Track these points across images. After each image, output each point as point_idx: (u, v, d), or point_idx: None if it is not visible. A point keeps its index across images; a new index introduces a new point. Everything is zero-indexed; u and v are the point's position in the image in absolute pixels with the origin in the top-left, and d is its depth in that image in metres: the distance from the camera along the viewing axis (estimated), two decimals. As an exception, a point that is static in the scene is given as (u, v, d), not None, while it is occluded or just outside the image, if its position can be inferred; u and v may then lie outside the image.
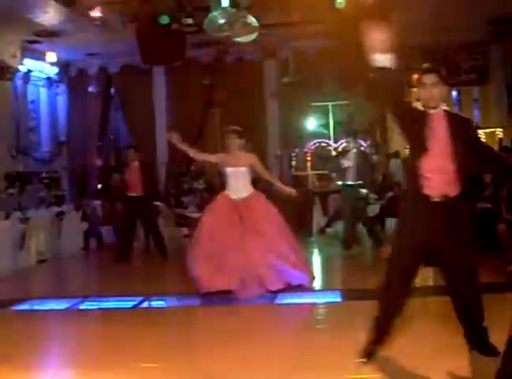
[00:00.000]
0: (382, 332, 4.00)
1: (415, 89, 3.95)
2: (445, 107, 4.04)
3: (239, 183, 6.72)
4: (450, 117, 3.97)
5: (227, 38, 10.75)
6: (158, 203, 11.67)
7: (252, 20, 10.11)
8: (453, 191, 3.82)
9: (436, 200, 3.81)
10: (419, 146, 3.87)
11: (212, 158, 7.16)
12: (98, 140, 15.07)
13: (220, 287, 6.33)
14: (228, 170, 6.79)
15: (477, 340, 3.95)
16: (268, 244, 6.46)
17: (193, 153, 7.05)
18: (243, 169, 6.76)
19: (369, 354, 4.00)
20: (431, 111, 3.92)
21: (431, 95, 3.89)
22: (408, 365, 3.93)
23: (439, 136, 3.84)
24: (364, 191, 9.15)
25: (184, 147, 6.91)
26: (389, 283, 3.95)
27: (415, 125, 3.92)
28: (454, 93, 13.97)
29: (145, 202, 9.62)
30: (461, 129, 3.89)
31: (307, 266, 6.95)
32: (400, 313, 3.99)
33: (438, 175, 3.81)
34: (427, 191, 3.83)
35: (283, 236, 6.62)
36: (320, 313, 5.90)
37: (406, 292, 3.97)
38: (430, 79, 3.91)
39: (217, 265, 6.37)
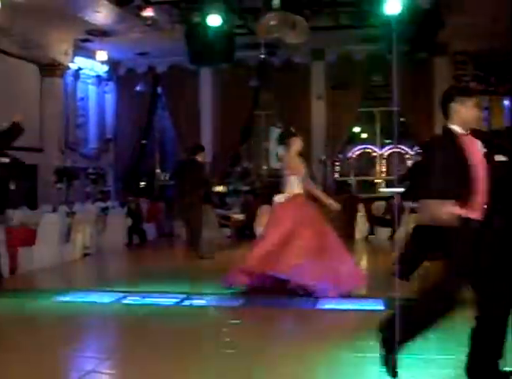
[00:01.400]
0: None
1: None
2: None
3: (293, 186, 6.87)
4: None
5: (277, 40, 10.75)
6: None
7: (302, 22, 10.08)
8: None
9: None
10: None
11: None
12: (143, 139, 15.27)
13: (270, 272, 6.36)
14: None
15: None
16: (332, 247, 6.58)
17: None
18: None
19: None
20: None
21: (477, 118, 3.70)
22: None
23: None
24: None
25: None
26: None
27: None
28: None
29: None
30: None
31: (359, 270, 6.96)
32: None
33: None
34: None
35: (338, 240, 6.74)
36: (359, 320, 5.80)
37: None
38: (476, 101, 3.70)
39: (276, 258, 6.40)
